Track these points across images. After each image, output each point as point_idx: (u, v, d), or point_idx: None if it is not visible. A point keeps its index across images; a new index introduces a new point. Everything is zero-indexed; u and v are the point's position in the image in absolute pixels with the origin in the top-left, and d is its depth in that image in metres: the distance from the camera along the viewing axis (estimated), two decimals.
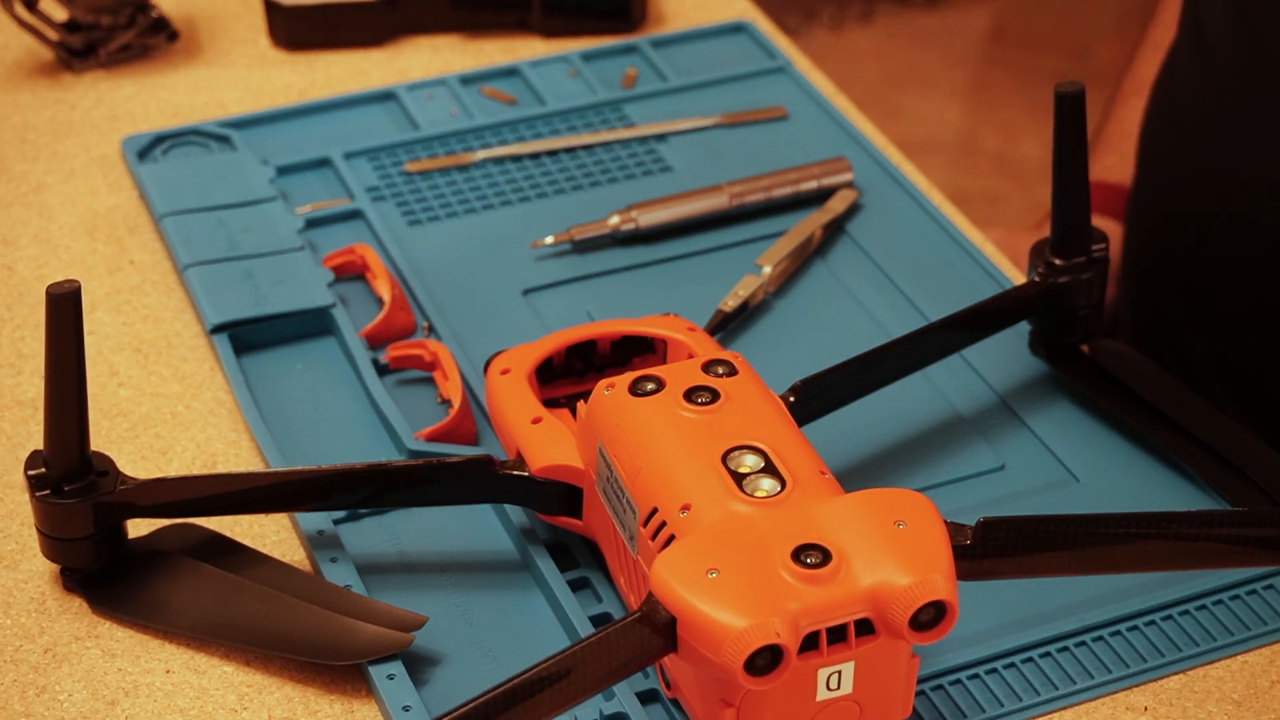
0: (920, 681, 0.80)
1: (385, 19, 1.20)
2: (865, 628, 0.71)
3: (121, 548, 0.85)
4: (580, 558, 0.85)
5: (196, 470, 0.91)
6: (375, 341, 0.96)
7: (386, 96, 1.15)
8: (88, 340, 0.80)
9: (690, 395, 0.79)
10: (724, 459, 0.76)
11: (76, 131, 1.13)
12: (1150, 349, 1.08)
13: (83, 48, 1.17)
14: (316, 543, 0.86)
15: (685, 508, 0.74)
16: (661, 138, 1.12)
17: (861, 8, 2.89)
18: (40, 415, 0.88)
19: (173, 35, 1.19)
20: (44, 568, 0.85)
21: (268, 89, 1.17)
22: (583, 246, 1.04)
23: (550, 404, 0.88)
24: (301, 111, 1.13)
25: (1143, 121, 1.16)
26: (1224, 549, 0.79)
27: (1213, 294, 1.08)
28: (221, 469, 0.91)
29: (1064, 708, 0.80)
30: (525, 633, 0.83)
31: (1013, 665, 0.82)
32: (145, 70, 1.18)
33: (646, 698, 0.79)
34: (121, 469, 0.83)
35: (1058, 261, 0.93)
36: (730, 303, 0.99)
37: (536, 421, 0.85)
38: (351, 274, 1.01)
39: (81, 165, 1.10)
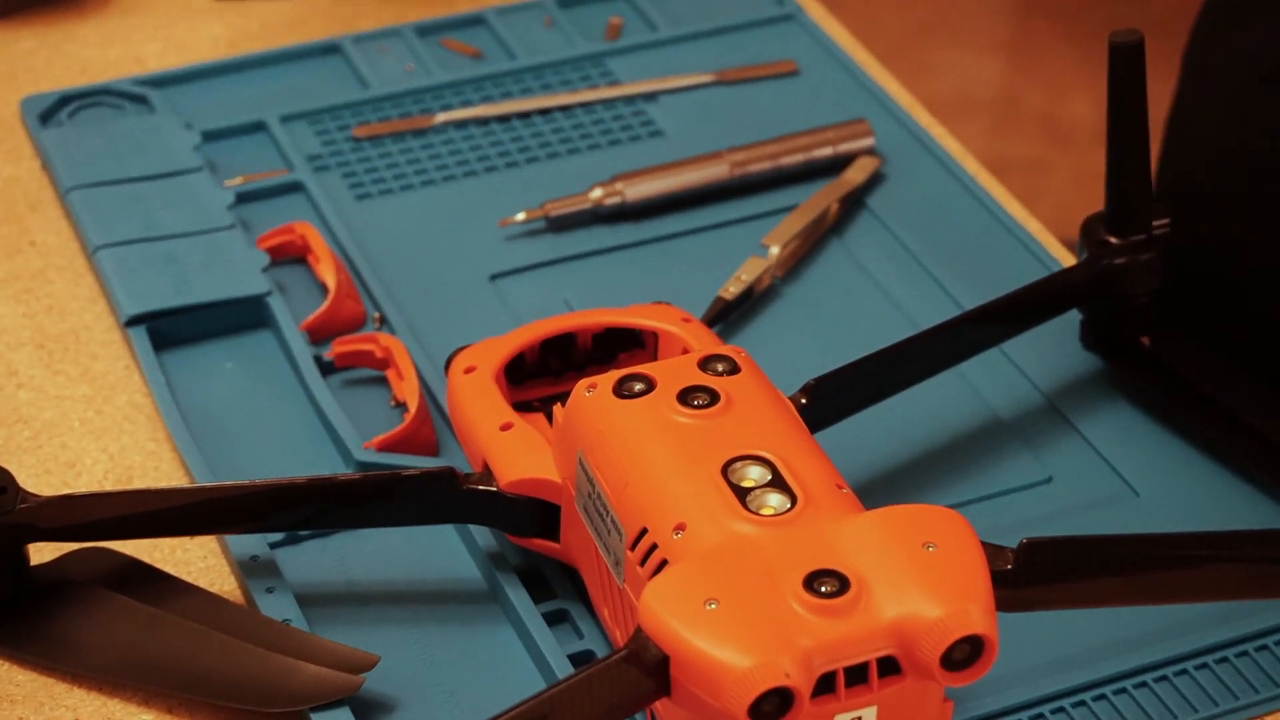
0: None
1: None
2: (890, 667, 0.71)
3: (23, 576, 0.85)
4: (557, 586, 0.86)
5: (109, 486, 0.91)
6: (318, 335, 0.97)
7: (330, 50, 1.15)
8: None
9: (685, 397, 0.79)
10: (724, 471, 0.76)
11: None
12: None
13: None
14: (250, 570, 0.86)
15: (679, 528, 0.75)
16: (651, 97, 1.12)
17: None
18: None
19: None
20: None
21: (192, 41, 1.17)
22: (559, 224, 1.04)
23: (522, 408, 0.88)
24: (231, 68, 1.14)
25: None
26: None
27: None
28: (139, 484, 0.91)
29: None
30: (493, 674, 0.83)
31: (1062, 710, 0.82)
32: (48, 20, 1.18)
33: None
34: (22, 485, 0.83)
35: (1113, 240, 0.93)
36: (732, 289, 0.99)
37: (506, 428, 0.85)
38: (290, 257, 1.02)
39: None
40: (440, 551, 0.88)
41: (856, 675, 0.71)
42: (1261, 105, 1.02)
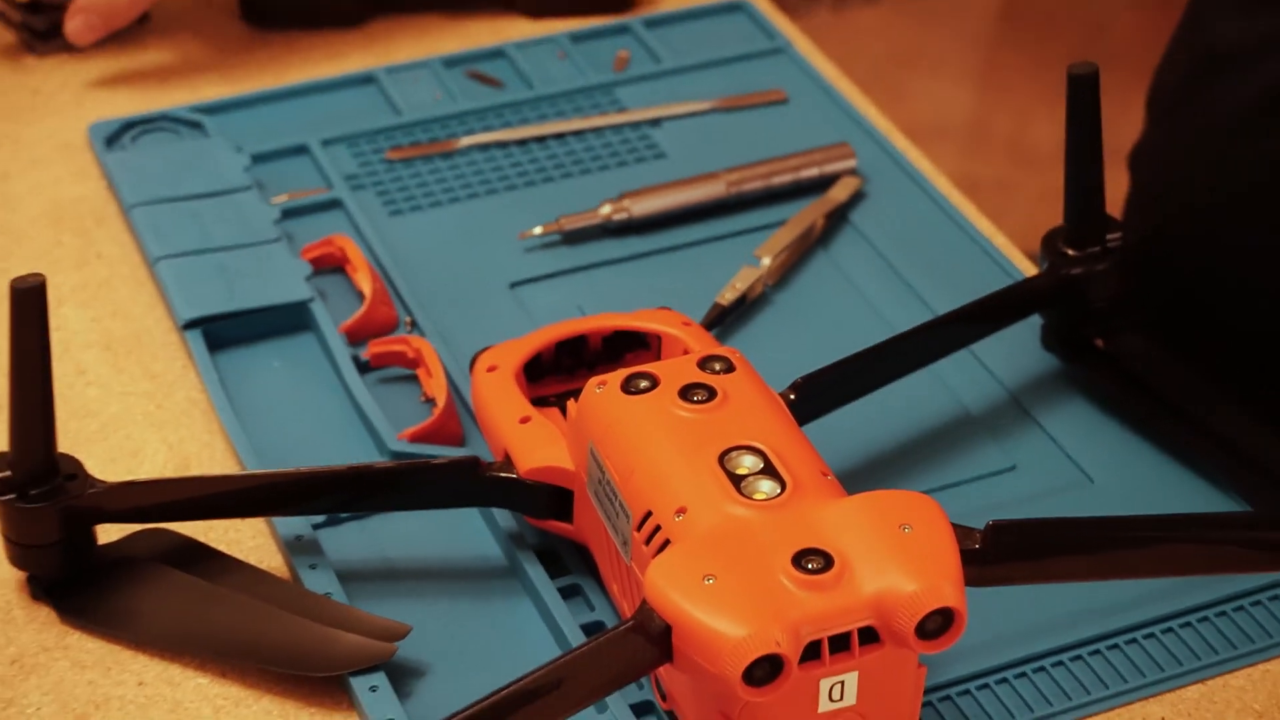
0: (927, 692, 0.80)
1: None
2: (870, 636, 0.71)
3: (91, 554, 0.85)
4: (571, 563, 0.86)
5: (169, 473, 0.91)
6: (355, 337, 0.97)
7: (366, 80, 1.15)
8: (54, 337, 0.80)
9: (686, 393, 0.79)
10: (721, 460, 0.76)
11: (40, 117, 1.13)
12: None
13: (46, 29, 1.16)
14: (294, 548, 0.87)
15: (680, 511, 0.75)
16: (655, 123, 1.12)
17: None
18: (4, 416, 0.88)
19: (142, 16, 1.18)
20: (9, 575, 0.86)
21: (241, 72, 1.17)
22: (572, 237, 1.04)
23: (539, 403, 0.88)
24: (277, 96, 1.14)
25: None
26: (1245, 553, 0.79)
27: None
28: (195, 471, 0.92)
29: (1078, 719, 0.81)
30: (513, 642, 0.83)
31: (1024, 675, 0.82)
32: (113, 52, 1.18)
33: (641, 710, 0.79)
34: (90, 472, 0.84)
35: (1071, 252, 0.93)
36: (728, 296, 0.99)
37: (524, 421, 0.85)
38: (330, 267, 1.02)
39: (45, 153, 1.11)
40: (465, 532, 0.88)
41: (839, 644, 0.71)
42: (1223, 152, 1.02)
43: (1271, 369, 1.06)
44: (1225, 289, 1.07)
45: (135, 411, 0.95)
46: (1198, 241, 1.07)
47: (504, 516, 0.87)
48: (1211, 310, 1.08)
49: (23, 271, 0.79)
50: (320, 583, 0.84)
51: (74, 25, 1.14)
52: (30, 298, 0.78)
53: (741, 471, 0.76)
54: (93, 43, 1.16)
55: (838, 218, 1.06)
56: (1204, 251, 1.07)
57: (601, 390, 0.80)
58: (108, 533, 0.86)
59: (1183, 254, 1.08)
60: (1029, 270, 1.01)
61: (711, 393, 0.79)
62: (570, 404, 0.83)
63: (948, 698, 0.81)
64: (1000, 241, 1.04)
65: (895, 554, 0.71)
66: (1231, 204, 1.04)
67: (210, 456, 0.92)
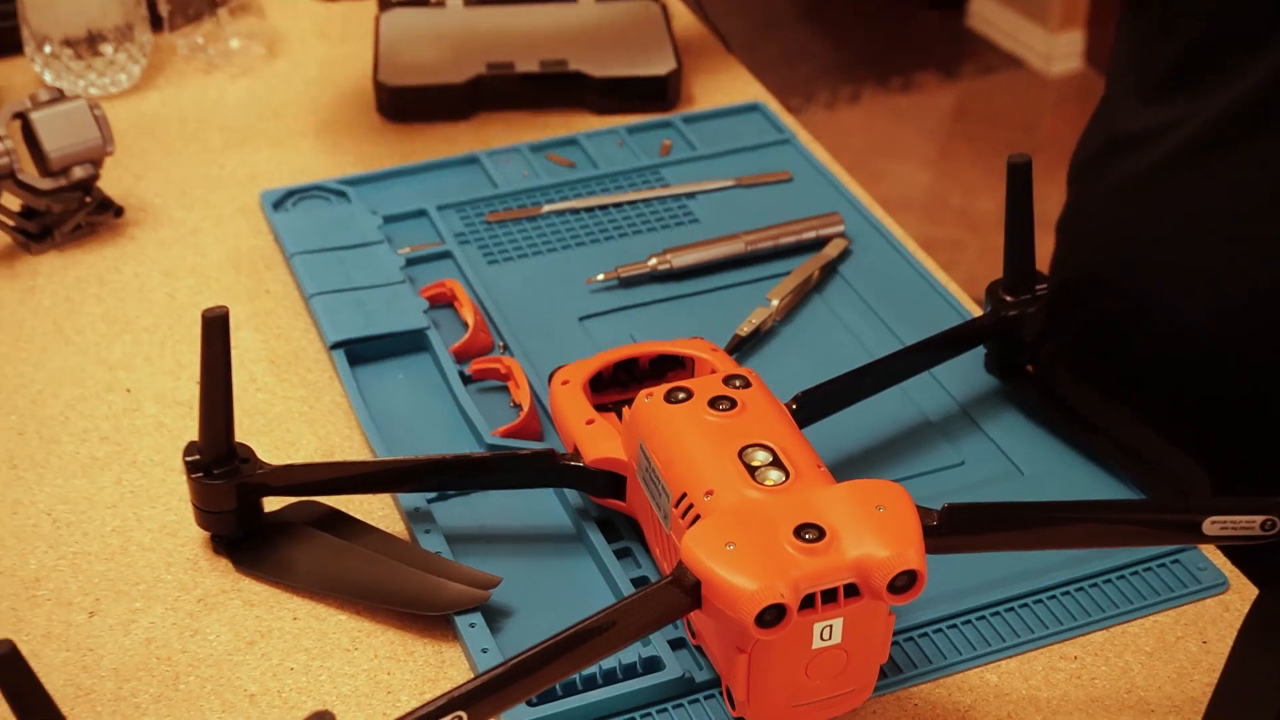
0: (896, 634, 0.80)
1: (471, 98, 1.20)
2: (852, 591, 0.71)
3: (258, 519, 0.85)
4: (624, 531, 0.86)
5: (318, 459, 0.92)
6: (461, 357, 0.97)
7: (471, 160, 1.15)
8: (233, 353, 0.81)
9: (713, 403, 0.79)
10: (740, 454, 0.76)
11: (224, 187, 1.14)
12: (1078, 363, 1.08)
13: (39, 232, 1.06)
14: (413, 517, 0.87)
15: (709, 493, 0.75)
16: (691, 195, 1.12)
17: (850, 91, 2.89)
18: (195, 413, 0.89)
19: (118, 211, 1.08)
20: (197, 534, 0.86)
21: (376, 154, 1.17)
22: (627, 282, 1.04)
23: (601, 408, 0.88)
24: (403, 172, 1.14)
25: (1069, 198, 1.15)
26: (1137, 530, 0.79)
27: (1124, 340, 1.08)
28: (338, 458, 0.92)
29: (1010, 656, 0.80)
30: (578, 591, 0.83)
31: (969, 622, 0.82)
32: (279, 139, 1.18)
33: (676, 644, 0.80)
34: (259, 457, 0.84)
35: (1009, 299, 0.93)
36: (745, 329, 0.99)
37: (590, 423, 0.85)
38: (442, 302, 1.02)
39: (228, 214, 1.11)
40: (543, 507, 0.88)
41: (829, 596, 0.71)
42: (1119, 215, 1.02)
43: (1155, 388, 1.05)
44: (1119, 327, 1.06)
45: (293, 411, 0.95)
46: (1099, 289, 1.06)
47: (573, 495, 0.87)
48: (1111, 342, 1.08)
49: (211, 304, 0.79)
50: (432, 544, 0.85)
51: None
52: (217, 324, 0.78)
53: (756, 463, 0.76)
54: None
55: (830, 270, 1.05)
56: (1104, 296, 1.07)
57: (649, 400, 0.80)
58: (271, 503, 0.86)
59: (1088, 300, 1.08)
60: (975, 312, 1.01)
61: (733, 403, 0.79)
62: (625, 410, 0.83)
63: (911, 638, 0.81)
64: (953, 289, 1.04)
65: (872, 528, 0.71)
66: (1124, 257, 1.04)
67: (350, 446, 0.92)
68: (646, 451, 0.79)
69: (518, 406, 0.93)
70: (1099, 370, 1.12)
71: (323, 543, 0.84)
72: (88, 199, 1.07)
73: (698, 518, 0.74)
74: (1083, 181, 1.09)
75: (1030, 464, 0.91)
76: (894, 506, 0.72)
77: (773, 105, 1.22)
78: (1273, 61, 0.91)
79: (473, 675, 0.77)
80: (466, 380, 0.96)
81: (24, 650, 0.61)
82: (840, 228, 1.07)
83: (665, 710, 0.77)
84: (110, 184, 1.12)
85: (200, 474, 0.82)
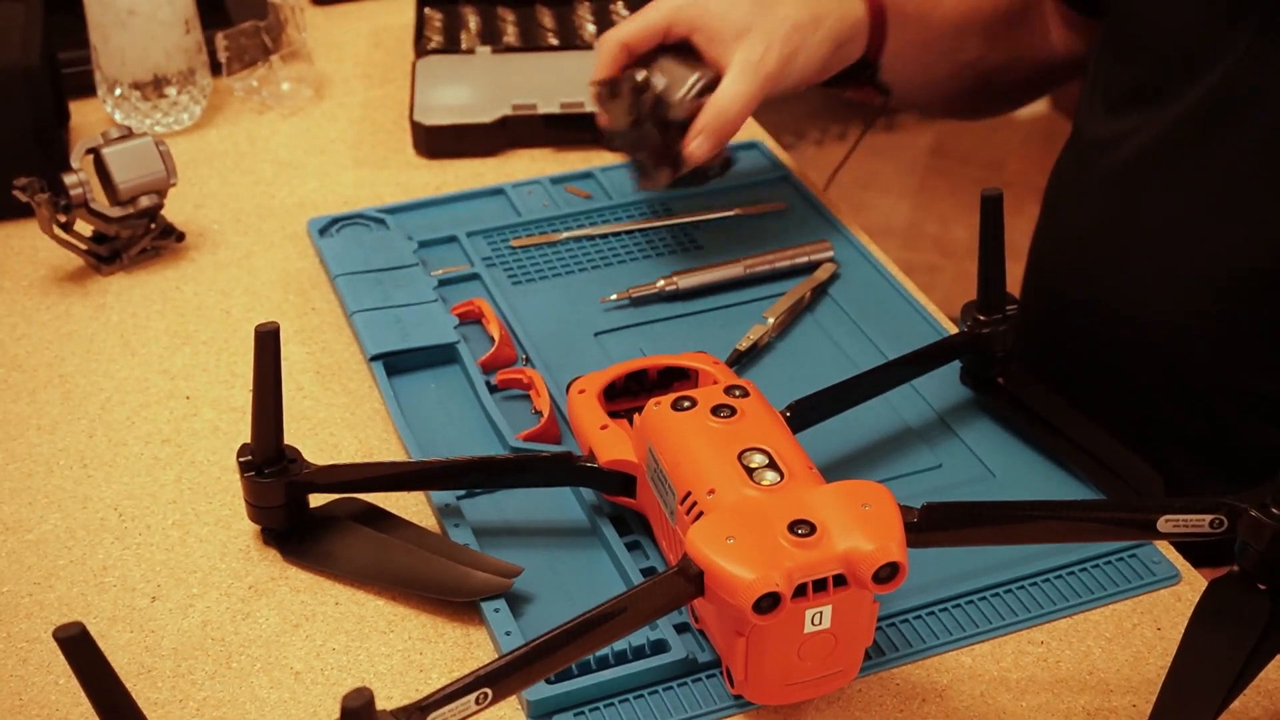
0: (879, 619, 0.80)
1: (498, 136, 1.20)
2: (840, 580, 0.71)
3: (305, 514, 0.85)
4: (634, 526, 0.86)
5: (359, 460, 0.92)
6: (487, 368, 0.97)
7: (497, 192, 1.15)
8: (283, 364, 0.81)
9: (715, 411, 0.79)
10: (739, 457, 0.76)
11: (275, 215, 1.14)
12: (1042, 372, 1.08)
13: (109, 255, 1.06)
14: (444, 512, 0.86)
15: (711, 491, 0.74)
16: (696, 224, 1.12)
17: (838, 130, 2.89)
18: (248, 418, 0.88)
19: (180, 237, 1.09)
20: (249, 527, 0.86)
21: (412, 185, 1.17)
22: (638, 302, 1.04)
23: (614, 415, 0.88)
24: (436, 202, 1.14)
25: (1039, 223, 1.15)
26: (1098, 528, 0.79)
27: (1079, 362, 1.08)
28: (376, 459, 0.92)
29: (983, 640, 0.80)
30: (593, 580, 0.83)
31: (946, 609, 0.81)
32: (324, 170, 1.19)
33: (680, 628, 0.79)
34: (305, 458, 0.84)
35: (982, 317, 0.92)
36: (744, 344, 0.99)
37: (604, 428, 0.85)
38: (471, 319, 1.02)
39: (279, 239, 1.11)
40: (561, 504, 0.88)
41: (819, 585, 0.71)
42: (1095, 212, 1.03)
43: (1113, 398, 1.05)
44: (1079, 342, 1.06)
45: (336, 417, 0.95)
46: (1065, 301, 1.07)
47: (588, 493, 0.87)
48: (1073, 356, 1.07)
49: (263, 320, 0.79)
50: (461, 536, 0.84)
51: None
52: (268, 338, 0.78)
53: (753, 465, 0.75)
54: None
55: (820, 291, 1.05)
56: (1065, 315, 1.07)
57: (657, 408, 0.80)
58: (316, 499, 0.86)
59: (1052, 318, 1.08)
60: (952, 329, 1.01)
61: (733, 411, 0.79)
62: (636, 417, 0.83)
63: (893, 624, 0.80)
64: (932, 309, 1.04)
65: (859, 524, 0.71)
66: (1092, 257, 1.05)
67: (387, 449, 0.92)
68: (655, 454, 0.79)
69: (538, 413, 0.93)
70: (1062, 382, 1.12)
71: (362, 535, 0.84)
72: (152, 225, 1.07)
73: (701, 514, 0.74)
74: (1052, 203, 1.10)
75: (1001, 467, 0.90)
76: (878, 505, 0.72)
77: (770, 144, 1.22)
78: (1210, 82, 0.95)
79: (497, 655, 0.77)
80: (492, 390, 0.95)
81: (92, 632, 0.61)
82: (830, 253, 1.07)
83: (670, 688, 0.77)
84: (173, 212, 1.12)
85: (252, 473, 0.82)
